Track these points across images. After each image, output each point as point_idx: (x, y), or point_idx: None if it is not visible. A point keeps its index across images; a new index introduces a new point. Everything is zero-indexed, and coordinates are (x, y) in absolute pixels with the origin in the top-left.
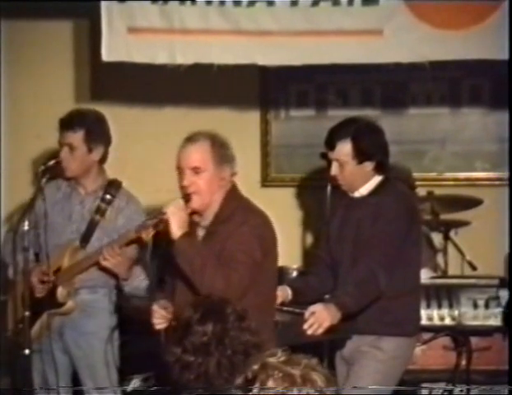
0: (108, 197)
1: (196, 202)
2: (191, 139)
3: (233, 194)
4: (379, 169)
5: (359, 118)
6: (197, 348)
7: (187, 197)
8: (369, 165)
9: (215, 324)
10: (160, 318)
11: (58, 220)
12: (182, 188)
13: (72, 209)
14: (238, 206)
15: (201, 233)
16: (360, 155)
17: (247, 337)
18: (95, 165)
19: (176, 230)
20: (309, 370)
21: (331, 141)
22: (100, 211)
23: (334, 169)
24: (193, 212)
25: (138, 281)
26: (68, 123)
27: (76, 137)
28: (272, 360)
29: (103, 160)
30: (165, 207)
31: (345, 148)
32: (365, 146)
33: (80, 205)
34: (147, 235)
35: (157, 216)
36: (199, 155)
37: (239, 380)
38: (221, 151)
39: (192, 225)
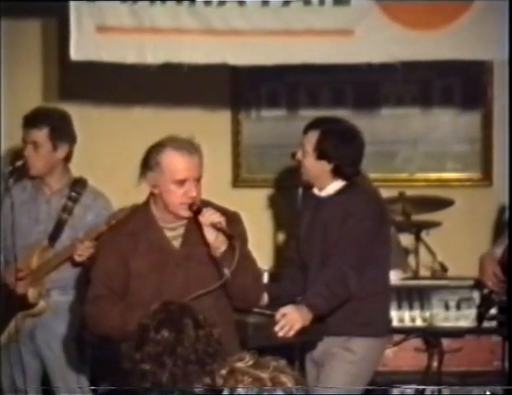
0: (74, 194)
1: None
2: (189, 148)
3: None
4: (337, 173)
5: (342, 121)
6: (152, 357)
7: (197, 208)
8: (326, 165)
9: (169, 333)
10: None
11: (25, 221)
12: (191, 198)
13: (38, 209)
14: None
15: (174, 233)
16: (319, 152)
17: (202, 347)
18: (59, 164)
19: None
20: (278, 373)
21: (306, 127)
22: (67, 210)
23: (299, 154)
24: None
25: None
26: (32, 120)
27: (41, 135)
28: (240, 364)
29: (68, 158)
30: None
31: (311, 138)
32: (327, 146)
33: (46, 204)
34: None
35: (127, 209)
36: (199, 164)
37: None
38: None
39: (165, 237)
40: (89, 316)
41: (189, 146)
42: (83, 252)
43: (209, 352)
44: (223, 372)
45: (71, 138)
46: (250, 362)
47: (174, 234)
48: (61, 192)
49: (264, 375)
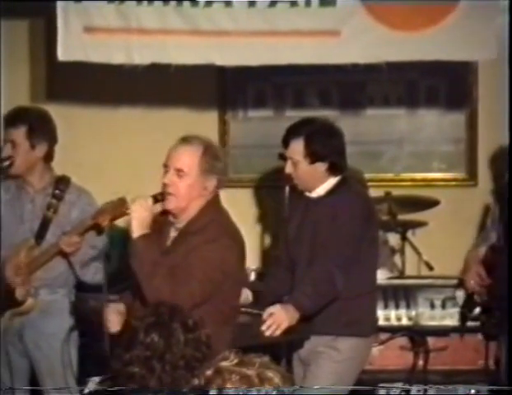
0: (58, 192)
1: (171, 203)
2: (185, 140)
3: (212, 206)
4: (332, 170)
5: (316, 119)
6: (141, 360)
7: (164, 196)
8: (321, 166)
9: (159, 338)
10: (112, 322)
11: (10, 221)
12: (163, 185)
13: (22, 209)
14: (213, 220)
15: (173, 234)
16: (312, 155)
17: (191, 352)
18: (39, 162)
19: (136, 229)
20: (264, 369)
21: (286, 139)
22: (52, 208)
23: (288, 168)
24: (167, 212)
25: (94, 268)
26: (10, 119)
27: (19, 134)
28: (225, 363)
29: (48, 157)
30: (131, 203)
31: (297, 147)
32: (317, 147)
33: (31, 203)
34: (104, 221)
35: (114, 203)
36: (187, 158)
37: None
38: (211, 161)
39: (167, 224)
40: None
41: (191, 140)
42: (70, 246)
43: (197, 357)
44: (208, 372)
45: (50, 137)
46: (235, 361)
47: None
48: (44, 190)
49: (251, 372)
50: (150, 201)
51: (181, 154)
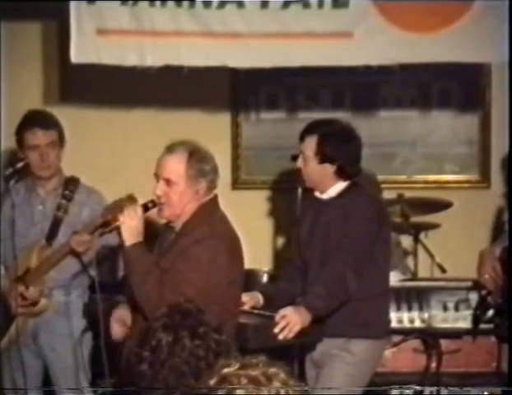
0: (68, 193)
1: (166, 212)
2: (170, 149)
3: (205, 208)
4: (340, 174)
5: (336, 121)
6: (152, 360)
7: (154, 204)
8: (329, 168)
9: (165, 342)
10: (114, 330)
11: (21, 223)
12: (155, 196)
13: (33, 210)
14: (202, 222)
15: (171, 237)
16: (321, 155)
17: (195, 360)
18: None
19: (127, 238)
20: (267, 368)
21: (302, 134)
22: (62, 208)
23: (299, 162)
24: (168, 221)
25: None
26: (46, 122)
27: (55, 136)
28: (229, 370)
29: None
30: (120, 214)
31: (310, 144)
32: (328, 148)
33: (41, 205)
34: (113, 219)
35: (123, 200)
36: (174, 167)
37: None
38: (198, 165)
39: (169, 228)
40: None
41: (175, 148)
42: (81, 245)
43: (201, 367)
44: (213, 382)
45: (64, 138)
46: (237, 365)
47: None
48: (55, 191)
49: (256, 373)
50: (139, 210)
51: (167, 163)
